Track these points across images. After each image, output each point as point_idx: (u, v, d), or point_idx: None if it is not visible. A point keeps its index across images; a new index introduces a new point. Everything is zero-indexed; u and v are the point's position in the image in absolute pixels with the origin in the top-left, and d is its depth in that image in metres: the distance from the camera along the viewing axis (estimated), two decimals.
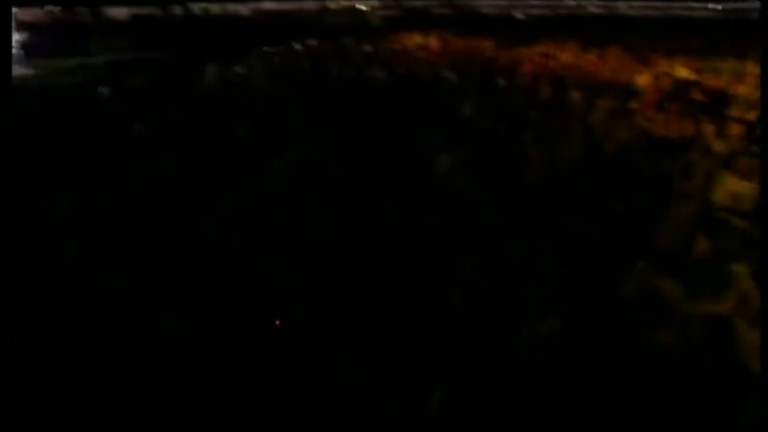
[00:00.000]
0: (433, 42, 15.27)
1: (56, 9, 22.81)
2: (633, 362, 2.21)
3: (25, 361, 2.48)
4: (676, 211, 3.82)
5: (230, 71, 9.01)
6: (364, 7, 37.63)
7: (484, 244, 3.35)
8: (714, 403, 2.02)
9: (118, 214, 3.87)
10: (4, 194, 2.80)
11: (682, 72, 9.59)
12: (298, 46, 12.83)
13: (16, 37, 14.01)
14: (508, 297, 2.66)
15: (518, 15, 36.00)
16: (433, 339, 2.48)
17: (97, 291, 3.00)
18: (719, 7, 41.35)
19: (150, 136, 5.42)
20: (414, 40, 15.94)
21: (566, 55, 12.27)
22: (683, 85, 8.45)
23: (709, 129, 5.49)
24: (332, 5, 37.73)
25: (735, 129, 5.34)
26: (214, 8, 24.61)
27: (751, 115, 6.33)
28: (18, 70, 10.78)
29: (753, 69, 9.32)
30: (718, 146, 4.89)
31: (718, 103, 7.14)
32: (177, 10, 22.22)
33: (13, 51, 11.87)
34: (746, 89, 7.97)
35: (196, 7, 24.23)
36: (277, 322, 2.78)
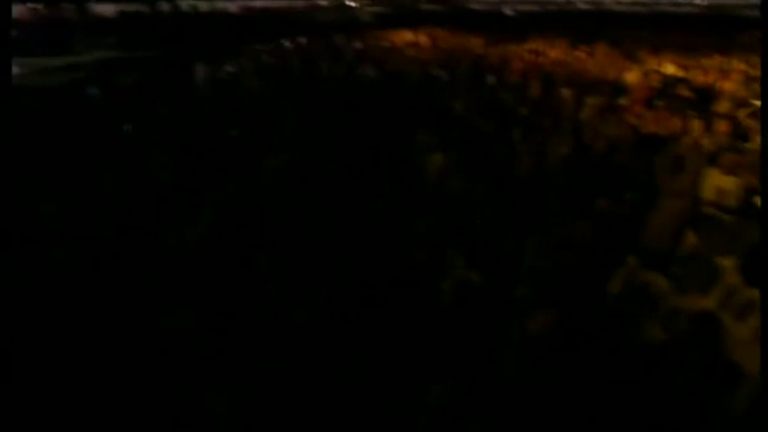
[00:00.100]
0: (423, 39, 15.27)
1: (41, 6, 22.41)
2: (623, 358, 2.25)
3: (9, 366, 2.46)
4: (664, 207, 3.88)
5: (220, 70, 8.93)
6: (353, 4, 37.48)
7: (475, 243, 3.37)
8: (701, 397, 2.07)
9: (108, 215, 3.84)
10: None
11: (670, 68, 9.72)
12: (287, 44, 12.75)
13: None
14: (499, 295, 2.69)
15: (508, 11, 36.08)
16: (425, 338, 2.51)
17: (86, 294, 2.98)
18: (705, 2, 41.86)
19: (140, 137, 5.37)
20: (404, 37, 15.92)
21: (555, 52, 12.36)
22: (671, 82, 8.57)
23: (696, 126, 5.58)
24: (322, 2, 37.54)
25: (721, 126, 5.42)
26: (203, 5, 24.36)
27: (737, 112, 6.45)
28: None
29: (738, 65, 9.48)
30: (705, 143, 4.97)
31: (704, 100, 7.25)
32: (165, 7, 21.96)
33: None
34: (732, 85, 8.10)
35: (184, 4, 23.95)
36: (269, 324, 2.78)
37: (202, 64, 9.16)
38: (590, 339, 2.28)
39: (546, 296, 2.59)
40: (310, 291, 3.09)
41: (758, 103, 6.96)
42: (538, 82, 8.36)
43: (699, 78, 8.84)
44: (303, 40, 13.66)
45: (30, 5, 22.32)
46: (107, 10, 21.05)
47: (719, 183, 4.15)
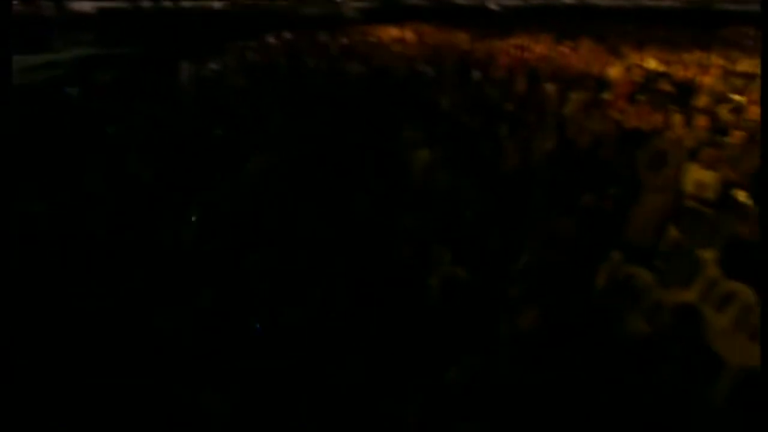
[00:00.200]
0: (409, 34, 15.25)
1: (18, 2, 21.85)
2: (608, 352, 2.29)
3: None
4: (646, 202, 3.96)
5: (203, 67, 8.81)
6: None
7: (462, 239, 3.40)
8: (684, 389, 2.12)
9: (95, 216, 3.78)
10: None
11: (652, 63, 9.86)
12: (272, 40, 12.61)
13: None
14: (486, 291, 2.72)
15: (492, 6, 36.13)
16: (412, 335, 2.52)
17: (78, 294, 2.95)
18: None
19: (121, 137, 5.28)
20: (389, 33, 15.88)
21: (540, 47, 12.44)
22: (653, 77, 8.70)
23: (677, 120, 5.67)
24: None
25: (701, 121, 5.53)
26: (185, 2, 23.95)
27: (716, 107, 6.58)
28: None
29: (716, 60, 9.66)
30: (686, 137, 5.07)
31: (685, 95, 7.38)
32: (146, 3, 21.55)
33: None
34: (711, 80, 8.26)
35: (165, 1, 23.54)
36: (258, 325, 2.77)
37: (184, 61, 9.02)
38: (576, 334, 2.32)
39: (533, 292, 2.63)
40: (299, 289, 3.09)
41: (737, 98, 7.12)
42: (524, 78, 8.41)
43: (680, 73, 8.98)
44: (288, 36, 13.53)
45: None
46: (86, 6, 20.59)
47: (699, 177, 4.24)
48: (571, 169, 4.50)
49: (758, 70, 8.39)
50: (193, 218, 3.50)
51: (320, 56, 10.35)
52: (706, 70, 8.97)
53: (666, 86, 7.87)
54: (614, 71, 9.05)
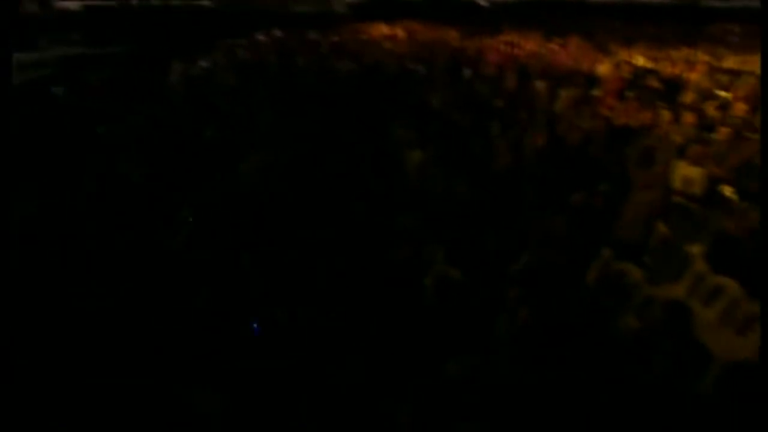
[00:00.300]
0: (399, 32, 15.24)
1: None
2: (601, 347, 2.34)
3: None
4: (636, 198, 4.02)
5: (193, 66, 8.73)
6: None
7: (455, 238, 3.43)
8: (673, 382, 2.17)
9: (82, 218, 3.76)
10: None
11: (640, 60, 9.97)
12: (262, 38, 12.52)
13: None
14: (480, 290, 2.76)
15: (482, 2, 36.12)
16: (408, 334, 2.55)
17: (74, 295, 2.94)
18: None
19: (112, 138, 5.23)
20: (380, 30, 15.85)
21: (530, 44, 12.50)
22: (641, 73, 8.80)
23: (665, 117, 5.76)
24: None
25: (688, 117, 5.61)
26: None
27: (703, 103, 6.69)
28: None
29: (703, 57, 9.79)
30: (674, 134, 5.15)
31: (673, 91, 7.48)
32: (134, 0, 21.23)
33: None
34: (698, 76, 8.38)
35: None
36: (255, 326, 2.79)
37: (173, 60, 8.93)
38: (569, 330, 2.36)
39: (526, 290, 2.67)
40: (294, 289, 3.10)
41: (723, 94, 7.23)
42: (514, 75, 8.46)
43: (667, 69, 9.10)
44: (278, 34, 13.44)
45: None
46: (72, 4, 20.25)
47: (686, 173, 4.32)
48: (562, 166, 4.56)
49: (743, 67, 8.55)
50: (189, 219, 3.49)
51: (311, 54, 10.31)
52: (692, 66, 9.09)
53: (654, 83, 7.97)
54: (603, 68, 9.14)
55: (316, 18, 19.12)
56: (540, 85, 7.73)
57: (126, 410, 2.31)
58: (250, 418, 2.32)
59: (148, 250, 3.27)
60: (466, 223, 3.71)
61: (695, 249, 3.54)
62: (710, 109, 6.28)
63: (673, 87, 7.69)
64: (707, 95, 7.10)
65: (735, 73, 8.22)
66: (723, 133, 5.19)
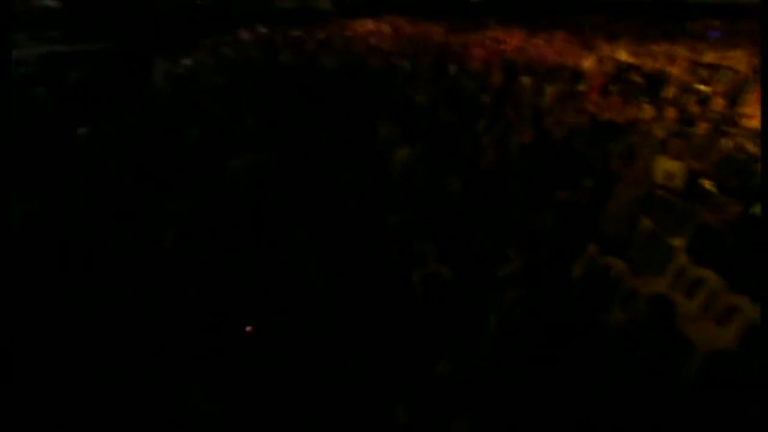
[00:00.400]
0: (385, 27, 15.20)
1: None
2: (588, 341, 2.39)
3: None
4: (620, 193, 4.09)
5: (177, 64, 8.61)
6: None
7: (444, 236, 3.46)
8: (658, 374, 2.23)
9: (68, 222, 3.71)
10: None
11: (623, 55, 10.10)
12: (246, 35, 12.37)
13: None
14: (469, 287, 2.79)
15: None
16: (400, 333, 2.57)
17: (69, 296, 2.92)
18: None
19: (94, 140, 5.14)
20: (365, 25, 15.79)
21: (515, 40, 12.58)
22: (625, 68, 8.93)
23: (647, 112, 5.87)
24: None
25: (670, 112, 5.73)
26: None
27: (683, 97, 6.82)
28: None
29: (683, 52, 9.97)
30: (656, 129, 5.25)
31: (655, 86, 7.61)
32: None
33: None
34: (679, 71, 8.53)
35: None
36: (248, 329, 2.79)
37: (156, 58, 8.79)
38: (558, 325, 2.41)
39: (514, 286, 2.71)
40: (284, 290, 3.10)
41: (703, 88, 7.38)
42: (500, 71, 8.52)
43: (649, 64, 9.24)
44: (263, 30, 13.31)
45: None
46: (51, 1, 19.74)
47: (667, 167, 4.41)
48: (548, 162, 4.61)
49: (722, 62, 8.72)
50: (176, 221, 3.47)
51: (296, 51, 10.24)
52: (673, 61, 9.25)
53: (636, 78, 8.09)
54: (587, 63, 9.25)
55: (300, 14, 18.95)
56: (526, 80, 7.79)
57: (124, 411, 2.31)
58: (248, 419, 2.33)
59: (138, 251, 3.25)
60: (455, 220, 3.75)
61: (677, 242, 3.64)
62: (691, 104, 6.41)
63: (655, 82, 7.82)
64: (688, 89, 7.24)
65: (714, 68, 8.39)
66: (703, 128, 5.30)
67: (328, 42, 11.75)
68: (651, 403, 2.14)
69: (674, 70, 8.59)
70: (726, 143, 4.98)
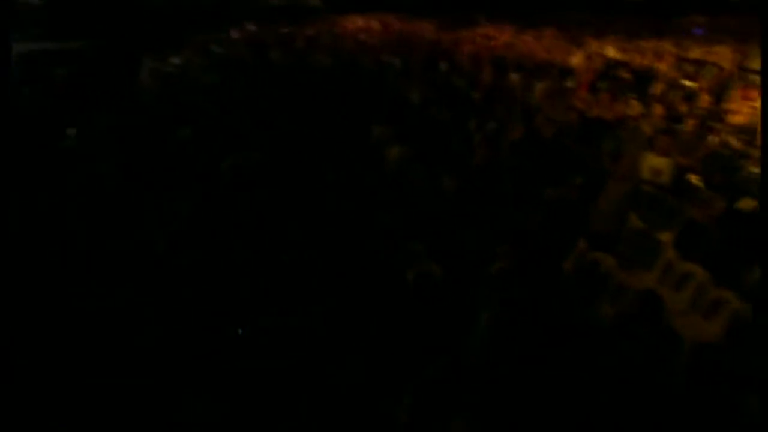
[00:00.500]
0: (375, 24, 15.16)
1: None
2: (579, 338, 2.44)
3: None
4: (609, 189, 4.16)
5: (166, 63, 8.51)
6: None
7: (435, 234, 3.49)
8: (647, 369, 2.29)
9: (60, 224, 3.68)
10: None
11: (611, 52, 10.20)
12: (235, 33, 12.26)
13: None
14: (461, 286, 2.82)
15: None
16: (390, 333, 2.59)
17: (50, 302, 2.90)
18: None
19: (81, 141, 5.08)
20: (355, 22, 15.73)
21: (504, 36, 12.63)
22: (613, 65, 9.02)
23: (635, 109, 5.95)
24: None
25: (657, 109, 5.81)
26: None
27: (670, 94, 6.92)
28: None
29: (670, 48, 10.10)
30: (644, 126, 5.32)
31: (642, 82, 7.70)
32: None
33: None
34: (666, 67, 8.64)
35: None
36: (240, 331, 2.80)
37: (144, 56, 8.68)
38: (548, 320, 2.45)
39: (506, 283, 2.75)
40: (278, 290, 3.11)
41: (690, 84, 7.49)
42: (490, 68, 8.55)
43: (636, 60, 9.34)
44: (252, 28, 13.20)
45: None
46: None
47: (654, 164, 4.49)
48: (538, 159, 4.66)
49: (708, 58, 8.85)
50: (169, 226, 3.46)
51: (286, 49, 10.18)
52: (660, 57, 9.36)
53: (625, 74, 8.18)
54: (576, 60, 9.33)
55: (289, 10, 18.79)
56: (515, 77, 7.84)
57: (123, 412, 2.31)
58: (248, 419, 2.34)
59: (131, 255, 3.24)
60: (447, 218, 3.78)
61: (665, 237, 3.71)
62: (678, 100, 6.50)
63: (642, 78, 7.92)
64: (675, 86, 7.34)
65: (700, 64, 8.51)
66: (690, 124, 5.39)
67: (317, 40, 11.70)
68: (641, 396, 2.19)
69: (661, 66, 8.69)
70: (712, 139, 5.07)
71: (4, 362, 2.51)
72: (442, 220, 3.71)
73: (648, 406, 2.09)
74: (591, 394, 2.07)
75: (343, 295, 2.97)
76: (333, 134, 5.50)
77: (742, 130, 5.31)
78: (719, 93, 6.80)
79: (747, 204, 3.83)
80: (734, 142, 4.99)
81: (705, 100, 6.41)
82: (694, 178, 4.36)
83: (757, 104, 5.89)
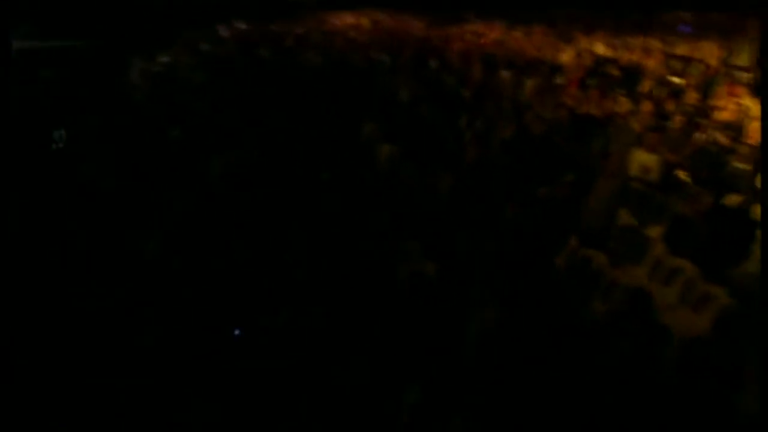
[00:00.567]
0: (364, 21, 15.13)
1: None
2: (572, 335, 2.48)
3: None
4: (599, 186, 4.21)
5: (155, 62, 8.42)
6: None
7: (428, 232, 3.51)
8: (637, 365, 2.33)
9: (50, 228, 3.64)
10: None
11: (600, 48, 10.28)
12: (224, 31, 12.14)
13: None
14: (454, 284, 2.84)
15: None
16: (384, 333, 2.61)
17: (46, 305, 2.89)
18: None
19: (71, 143, 5.01)
20: (344, 19, 15.68)
21: (494, 33, 12.66)
22: (602, 61, 9.09)
23: (624, 105, 6.01)
24: None
25: (646, 106, 5.87)
26: None
27: (658, 90, 7.00)
28: None
29: (656, 44, 10.21)
30: (632, 123, 5.38)
31: (631, 78, 7.78)
32: None
33: None
34: (653, 63, 8.74)
35: None
36: (237, 332, 2.80)
37: (132, 55, 8.58)
38: (541, 318, 2.49)
39: (498, 281, 2.78)
40: (271, 292, 3.12)
41: (677, 80, 7.59)
42: (480, 65, 8.57)
43: (625, 57, 9.43)
44: (241, 26, 13.09)
45: None
46: None
47: (643, 160, 4.55)
48: (529, 157, 4.70)
49: (694, 54, 8.96)
50: (162, 226, 3.44)
51: (276, 47, 10.12)
52: (648, 53, 9.46)
53: (613, 71, 8.25)
54: (565, 56, 9.39)
55: (278, 7, 18.64)
56: (505, 74, 7.87)
57: (123, 412, 2.31)
58: (247, 420, 2.35)
59: (127, 255, 3.22)
60: (439, 216, 3.80)
61: (654, 232, 3.77)
62: (665, 97, 6.58)
63: (631, 74, 7.99)
64: (662, 82, 7.43)
65: (687, 60, 8.62)
66: (678, 121, 5.46)
67: (307, 37, 11.65)
68: (633, 390, 2.24)
69: (649, 63, 8.78)
70: (699, 136, 5.15)
71: (4, 362, 2.50)
72: (435, 218, 3.73)
73: (640, 400, 2.14)
74: (585, 389, 2.11)
75: (340, 295, 2.98)
76: (323, 133, 5.49)
77: (728, 127, 5.40)
78: (705, 89, 6.90)
79: (733, 200, 3.90)
80: (721, 139, 5.07)
81: (692, 96, 6.50)
82: (682, 174, 4.43)
83: (742, 101, 6.00)
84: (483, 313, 2.40)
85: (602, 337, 2.49)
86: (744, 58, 7.96)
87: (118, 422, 2.28)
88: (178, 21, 13.75)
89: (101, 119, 5.52)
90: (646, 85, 7.34)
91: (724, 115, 5.80)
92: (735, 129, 5.33)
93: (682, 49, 9.69)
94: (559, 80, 7.75)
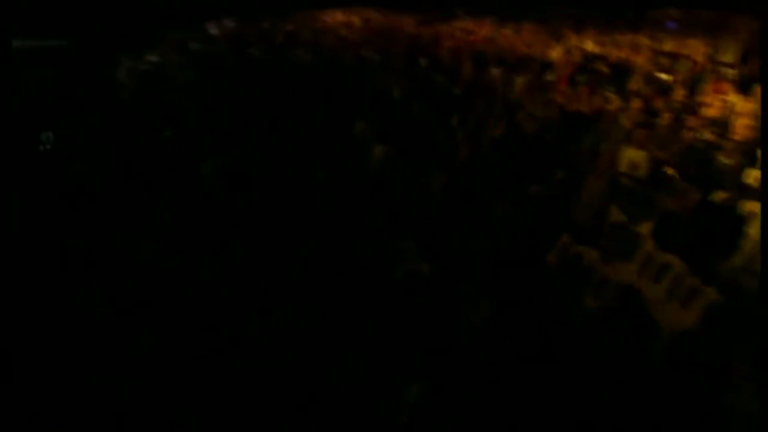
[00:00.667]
0: (355, 19, 15.08)
1: None
2: (562, 330, 2.52)
3: None
4: (590, 183, 4.26)
5: (143, 61, 8.33)
6: None
7: (421, 231, 3.53)
8: (628, 360, 2.38)
9: (42, 229, 3.60)
10: None
11: (589, 45, 10.35)
12: (213, 29, 12.04)
13: None
14: (448, 283, 2.87)
15: None
16: (380, 332, 2.63)
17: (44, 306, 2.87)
18: None
19: (61, 143, 4.96)
20: (335, 17, 15.62)
21: (484, 30, 12.70)
22: (591, 58, 9.16)
23: (614, 102, 6.07)
24: None
25: (635, 103, 5.94)
26: None
27: (647, 87, 7.08)
28: None
29: (645, 41, 10.31)
30: (622, 119, 5.44)
31: (620, 75, 7.85)
32: None
33: None
34: (642, 60, 8.82)
35: None
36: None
37: (121, 54, 8.49)
38: (535, 315, 2.52)
39: (492, 278, 2.81)
40: (265, 293, 3.12)
41: (665, 76, 7.67)
42: (470, 63, 8.59)
43: (614, 54, 9.50)
44: (231, 24, 12.98)
45: None
46: None
47: (631, 157, 4.60)
48: (520, 155, 4.74)
49: (681, 51, 9.06)
50: (155, 235, 3.42)
51: (266, 45, 10.06)
52: (637, 50, 9.54)
53: (603, 68, 8.32)
54: (555, 54, 9.44)
55: (268, 3, 18.49)
56: (496, 72, 7.90)
57: (123, 412, 2.31)
58: (247, 420, 2.36)
59: (122, 256, 3.21)
60: (433, 215, 3.82)
61: (643, 228, 3.82)
62: (653, 94, 6.66)
63: (620, 71, 8.06)
64: (651, 79, 7.51)
65: (675, 57, 8.71)
66: (666, 117, 5.53)
67: (297, 35, 11.59)
68: (625, 383, 2.28)
69: (638, 60, 8.86)
70: (687, 132, 5.22)
71: (4, 363, 2.48)
72: (429, 217, 3.75)
73: (630, 394, 2.18)
74: (576, 385, 2.14)
75: (336, 294, 3.00)
76: (315, 131, 5.49)
77: (715, 123, 5.48)
78: (693, 86, 6.98)
79: (720, 196, 3.97)
80: (708, 135, 5.14)
81: (679, 93, 6.58)
82: (670, 171, 4.49)
83: (728, 97, 6.08)
84: (476, 310, 2.43)
85: (594, 333, 2.54)
86: (730, 55, 8.07)
87: (117, 422, 2.28)
88: (166, 19, 13.61)
89: (89, 119, 5.46)
90: (634, 82, 7.41)
91: (710, 112, 5.88)
92: (721, 125, 5.41)
93: (669, 46, 9.79)
94: (549, 77, 7.80)
